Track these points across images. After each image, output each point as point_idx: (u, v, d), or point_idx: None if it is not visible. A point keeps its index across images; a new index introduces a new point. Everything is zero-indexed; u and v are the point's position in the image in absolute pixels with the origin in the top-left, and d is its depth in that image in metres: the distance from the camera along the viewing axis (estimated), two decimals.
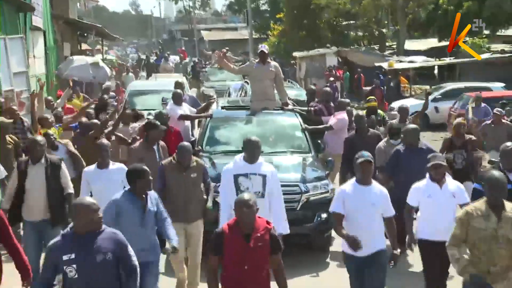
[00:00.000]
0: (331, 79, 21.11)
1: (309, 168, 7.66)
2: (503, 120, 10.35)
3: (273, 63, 9.33)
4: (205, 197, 6.23)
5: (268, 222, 4.43)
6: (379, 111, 10.57)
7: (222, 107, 9.26)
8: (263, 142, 6.56)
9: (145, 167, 5.10)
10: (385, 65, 21.43)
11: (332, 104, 9.78)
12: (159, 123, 7.29)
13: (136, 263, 4.24)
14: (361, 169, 5.07)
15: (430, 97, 17.90)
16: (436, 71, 22.98)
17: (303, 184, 7.19)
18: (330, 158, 8.21)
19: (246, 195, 4.38)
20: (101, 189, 6.03)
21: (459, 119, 8.96)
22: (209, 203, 6.15)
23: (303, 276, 6.75)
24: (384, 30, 31.85)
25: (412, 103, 18.72)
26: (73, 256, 3.90)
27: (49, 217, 6.04)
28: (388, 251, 5.29)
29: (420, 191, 5.62)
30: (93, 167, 6.30)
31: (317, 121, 9.29)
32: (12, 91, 13.13)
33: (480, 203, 4.61)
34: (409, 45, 29.69)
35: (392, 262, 5.23)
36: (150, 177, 5.07)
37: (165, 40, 58.34)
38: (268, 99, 8.85)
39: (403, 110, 9.21)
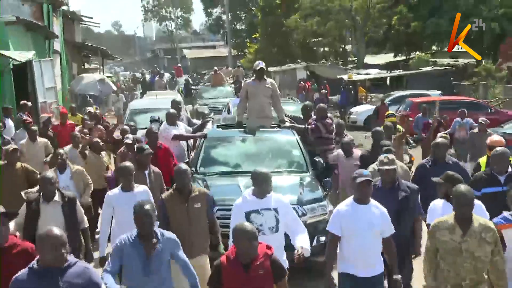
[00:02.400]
0: (323, 91, 23.84)
1: (306, 189, 7.12)
2: (487, 130, 10.42)
3: (269, 80, 8.91)
4: (213, 232, 5.59)
5: (268, 247, 4.14)
6: (398, 126, 10.48)
7: (218, 126, 8.92)
8: (259, 162, 6.44)
9: (144, 204, 4.45)
10: (345, 77, 25.10)
11: (329, 120, 9.03)
12: (144, 147, 6.92)
13: None
14: (360, 188, 4.78)
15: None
16: (388, 82, 26.64)
17: (300, 207, 6.65)
18: (328, 179, 7.65)
19: (247, 225, 4.08)
20: (125, 213, 5.24)
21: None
22: (221, 249, 5.40)
23: None
24: (347, 47, 35.73)
25: (366, 108, 22.58)
26: None
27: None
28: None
29: (437, 210, 5.23)
30: (117, 190, 5.78)
31: (314, 143, 8.70)
32: (45, 102, 16.50)
33: (449, 216, 4.49)
34: (369, 59, 33.52)
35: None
36: (150, 216, 4.37)
37: (148, 59, 61.12)
38: (265, 116, 8.50)
39: (339, 126, 9.27)
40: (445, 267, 4.43)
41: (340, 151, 8.07)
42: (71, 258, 3.69)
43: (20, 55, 13.94)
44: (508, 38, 23.74)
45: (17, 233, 5.09)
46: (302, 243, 5.02)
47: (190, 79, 28.93)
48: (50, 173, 5.86)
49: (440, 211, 5.11)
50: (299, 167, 7.82)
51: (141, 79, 30.58)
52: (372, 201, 4.88)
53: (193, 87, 26.34)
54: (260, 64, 8.68)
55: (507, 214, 4.68)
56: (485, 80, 23.29)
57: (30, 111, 13.25)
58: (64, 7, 22.35)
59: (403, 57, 32.43)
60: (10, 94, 14.20)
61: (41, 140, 9.37)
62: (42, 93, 16.32)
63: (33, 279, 3.57)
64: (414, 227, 5.64)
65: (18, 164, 7.49)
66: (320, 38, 34.83)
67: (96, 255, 6.18)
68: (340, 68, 30.04)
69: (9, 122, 11.78)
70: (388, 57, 33.68)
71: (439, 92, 21.49)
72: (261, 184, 5.09)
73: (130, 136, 8.68)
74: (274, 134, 8.39)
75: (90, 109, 14.62)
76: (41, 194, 5.58)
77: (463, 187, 4.50)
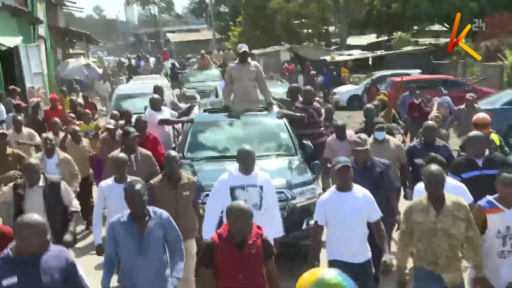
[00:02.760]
0: (312, 72, 24.02)
1: (295, 172, 7.07)
2: (475, 105, 10.40)
3: (253, 62, 8.81)
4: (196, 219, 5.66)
5: (258, 227, 4.17)
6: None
7: (204, 110, 8.74)
8: (247, 145, 6.17)
9: (135, 183, 4.44)
10: (328, 58, 25.53)
11: (316, 104, 9.07)
12: (130, 130, 6.94)
13: (86, 284, 3.81)
14: (339, 175, 4.75)
15: (364, 83, 22.39)
16: (370, 62, 27.13)
17: (289, 190, 6.62)
18: (316, 162, 7.62)
19: (242, 204, 4.10)
20: (119, 204, 5.17)
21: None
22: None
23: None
24: (330, 29, 36.08)
25: (349, 88, 23.10)
26: (15, 279, 3.45)
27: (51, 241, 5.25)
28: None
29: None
30: (110, 181, 5.76)
31: (303, 126, 8.52)
32: (32, 87, 16.70)
33: (423, 197, 4.52)
34: (353, 40, 33.96)
35: (383, 271, 4.75)
36: (141, 196, 4.35)
37: (132, 43, 60.84)
38: (251, 100, 8.40)
39: (329, 111, 9.24)
40: (422, 247, 4.48)
41: (332, 136, 7.96)
42: None
43: (8, 41, 14.13)
44: (486, 18, 24.23)
45: None
46: (275, 231, 5.20)
47: (176, 63, 28.89)
48: (34, 160, 5.90)
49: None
50: (288, 150, 7.75)
51: (127, 64, 30.63)
52: (356, 187, 4.83)
53: (179, 71, 26.33)
54: (243, 47, 8.63)
55: (491, 198, 4.64)
56: (464, 59, 23.85)
57: (19, 96, 13.55)
58: None
59: (386, 38, 32.91)
60: None
61: (26, 130, 9.32)
62: (30, 79, 16.54)
63: (10, 267, 3.46)
64: (390, 200, 5.76)
65: (9, 150, 7.58)
66: (303, 20, 35.09)
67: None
68: (323, 49, 30.48)
69: (0, 107, 12.05)
70: (370, 38, 34.13)
71: (419, 71, 22.12)
72: (246, 161, 5.19)
73: (112, 121, 8.72)
74: (262, 117, 8.30)
75: (79, 100, 14.39)
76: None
77: (433, 166, 4.51)
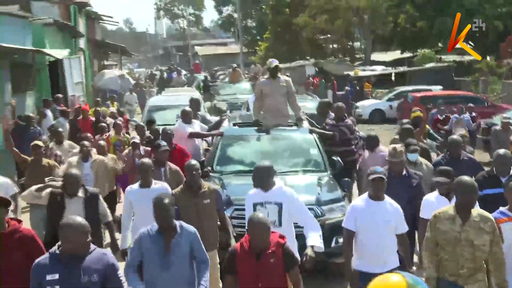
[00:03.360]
0: (347, 88, 23.84)
1: (325, 189, 7.02)
2: (511, 127, 10.50)
3: (283, 77, 8.74)
4: (223, 226, 5.71)
5: (281, 237, 4.26)
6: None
7: (234, 124, 8.75)
8: (276, 161, 6.13)
9: (163, 197, 4.48)
10: (352, 73, 26.38)
11: (348, 121, 8.88)
12: (160, 143, 6.98)
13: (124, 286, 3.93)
14: (373, 185, 4.87)
15: (386, 98, 23.16)
16: (393, 77, 27.87)
17: (318, 207, 6.53)
18: (346, 179, 7.55)
19: (261, 216, 4.25)
20: (144, 209, 5.41)
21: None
22: (233, 241, 5.56)
23: None
24: (355, 44, 36.96)
25: (371, 102, 23.88)
26: (56, 276, 3.67)
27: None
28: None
29: (433, 204, 5.30)
30: (136, 186, 5.94)
31: (335, 143, 8.47)
32: (73, 96, 18.04)
33: (449, 207, 4.60)
34: (376, 56, 34.77)
35: None
36: (169, 209, 4.40)
37: (161, 56, 62.40)
38: (281, 115, 8.34)
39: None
40: (444, 256, 4.54)
41: (364, 151, 7.98)
42: (91, 246, 3.86)
43: (57, 53, 15.40)
44: (509, 37, 24.86)
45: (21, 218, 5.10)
46: (312, 241, 5.02)
47: (208, 76, 29.43)
48: (75, 171, 6.01)
49: (435, 204, 5.18)
50: (317, 166, 7.70)
51: (159, 76, 31.50)
52: (387, 198, 4.94)
53: (211, 83, 26.46)
54: (274, 62, 8.56)
55: (503, 209, 4.79)
56: (486, 76, 24.46)
57: (62, 104, 14.75)
58: (88, 7, 23.81)
59: (410, 54, 33.62)
60: (46, 88, 15.67)
61: (67, 142, 9.52)
62: (71, 88, 17.94)
63: (55, 264, 3.70)
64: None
65: (45, 160, 7.81)
66: (328, 35, 36.03)
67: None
68: (348, 64, 31.33)
69: (49, 113, 13.22)
70: (395, 54, 34.80)
71: (440, 87, 22.78)
72: (261, 179, 5.21)
73: (137, 137, 9.04)
74: (291, 132, 8.23)
75: (112, 109, 14.81)
76: (65, 189, 5.65)
77: (466, 177, 4.59)
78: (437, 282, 4.61)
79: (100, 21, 28.32)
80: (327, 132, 8.48)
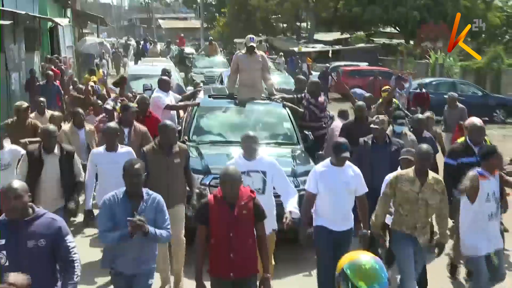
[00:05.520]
0: (309, 63, 25.90)
1: (299, 161, 7.03)
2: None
3: (260, 53, 8.66)
4: (189, 188, 5.69)
5: (252, 191, 4.33)
6: (394, 99, 10.41)
7: (209, 96, 8.63)
8: (250, 131, 5.91)
9: (134, 163, 4.29)
10: (296, 49, 30.33)
11: (321, 98, 8.85)
12: (130, 105, 6.92)
13: (75, 256, 3.66)
14: (336, 157, 5.00)
15: (320, 70, 27.14)
16: (330, 54, 31.98)
17: (294, 179, 6.52)
18: (321, 152, 7.65)
19: (231, 169, 4.25)
20: (107, 171, 5.58)
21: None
22: (194, 201, 5.52)
23: (297, 275, 6.25)
24: (303, 24, 40.88)
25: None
26: (2, 242, 3.52)
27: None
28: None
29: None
30: (101, 149, 5.86)
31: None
32: (65, 57, 21.19)
33: (409, 170, 4.97)
34: (320, 36, 38.60)
35: (361, 242, 5.09)
36: (140, 175, 4.21)
37: (125, 27, 63.93)
38: (256, 89, 8.33)
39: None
40: (403, 212, 4.94)
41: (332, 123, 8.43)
42: (39, 210, 3.66)
43: (60, 21, 18.65)
44: (423, 25, 29.28)
45: None
46: (291, 206, 5.14)
47: (184, 48, 29.33)
48: (52, 126, 5.91)
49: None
50: (290, 140, 7.77)
51: (135, 46, 32.29)
52: (347, 163, 5.10)
53: (188, 55, 26.05)
54: (251, 40, 8.45)
55: (479, 169, 5.04)
56: (403, 57, 28.93)
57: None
58: None
59: (347, 35, 37.80)
60: (47, 49, 18.86)
61: (48, 112, 8.95)
62: (64, 50, 21.15)
63: (2, 230, 3.57)
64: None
65: (27, 121, 7.71)
66: (279, 16, 39.71)
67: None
68: (294, 41, 35.21)
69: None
70: (335, 35, 38.79)
71: (366, 63, 26.97)
72: (249, 147, 5.27)
73: (110, 102, 8.84)
74: (265, 106, 8.28)
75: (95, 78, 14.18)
76: (42, 145, 5.65)
77: (424, 145, 5.03)
78: (393, 234, 5.13)
79: None
80: (299, 109, 8.63)
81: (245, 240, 4.25)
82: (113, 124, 6.19)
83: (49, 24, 18.51)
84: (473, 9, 30.04)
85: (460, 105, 10.80)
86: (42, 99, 8.99)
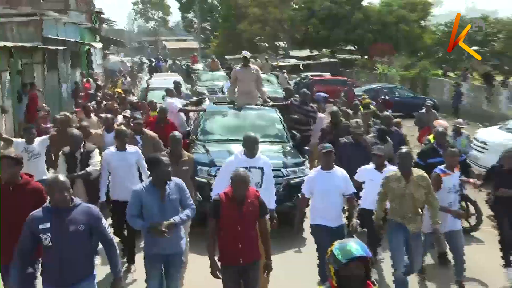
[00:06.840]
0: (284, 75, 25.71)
1: (289, 155, 7.32)
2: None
3: (254, 66, 8.94)
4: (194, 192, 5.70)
5: (257, 191, 4.39)
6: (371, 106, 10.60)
7: (214, 103, 8.94)
8: (251, 132, 5.91)
9: (162, 157, 4.42)
10: (275, 64, 32.87)
11: (310, 107, 9.05)
12: (137, 117, 7.34)
13: (111, 235, 3.83)
14: (324, 158, 5.05)
15: (295, 80, 29.59)
16: (302, 67, 34.46)
17: (285, 169, 6.86)
18: (307, 147, 7.89)
19: (242, 172, 4.24)
20: (117, 167, 5.71)
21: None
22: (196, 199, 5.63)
23: (289, 251, 6.45)
24: (282, 44, 43.45)
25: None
26: (48, 225, 3.58)
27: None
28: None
29: (366, 172, 5.77)
30: (112, 149, 5.90)
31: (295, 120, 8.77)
32: (96, 73, 23.58)
33: (397, 171, 5.08)
34: (294, 53, 41.06)
35: (351, 232, 5.17)
36: (168, 167, 4.33)
37: (136, 48, 65.80)
38: (251, 96, 8.61)
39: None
40: (394, 206, 5.08)
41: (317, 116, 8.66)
42: (77, 200, 3.74)
43: (96, 45, 21.07)
44: (374, 44, 32.05)
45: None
46: (271, 205, 5.17)
47: (191, 64, 30.50)
48: (77, 132, 6.00)
49: (365, 172, 5.75)
50: (281, 138, 8.03)
51: (148, 64, 34.73)
52: (336, 168, 5.13)
53: (193, 71, 26.42)
54: (245, 53, 8.87)
55: (441, 167, 5.34)
56: (359, 69, 31.62)
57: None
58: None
59: (316, 52, 40.37)
60: (84, 66, 21.25)
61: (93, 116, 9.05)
62: (95, 67, 23.59)
63: (47, 216, 3.62)
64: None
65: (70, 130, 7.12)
66: (261, 37, 42.16)
67: None
68: (274, 57, 37.74)
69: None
70: (306, 52, 41.09)
71: (329, 74, 29.19)
72: (251, 146, 5.26)
73: (128, 111, 9.03)
74: (261, 111, 8.56)
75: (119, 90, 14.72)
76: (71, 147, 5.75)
77: (404, 149, 5.12)
78: (388, 223, 5.19)
79: (104, 22, 33.22)
80: (280, 103, 9.13)
81: (251, 232, 4.31)
82: (122, 127, 6.56)
83: (86, 47, 20.87)
84: (411, 32, 32.75)
85: (432, 110, 11.22)
86: (89, 104, 9.47)
